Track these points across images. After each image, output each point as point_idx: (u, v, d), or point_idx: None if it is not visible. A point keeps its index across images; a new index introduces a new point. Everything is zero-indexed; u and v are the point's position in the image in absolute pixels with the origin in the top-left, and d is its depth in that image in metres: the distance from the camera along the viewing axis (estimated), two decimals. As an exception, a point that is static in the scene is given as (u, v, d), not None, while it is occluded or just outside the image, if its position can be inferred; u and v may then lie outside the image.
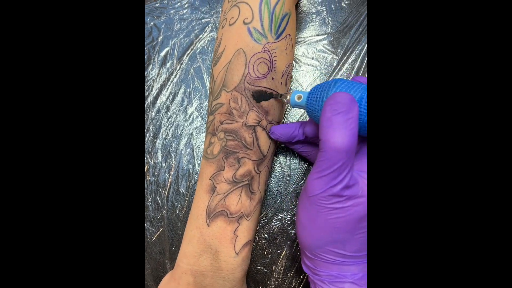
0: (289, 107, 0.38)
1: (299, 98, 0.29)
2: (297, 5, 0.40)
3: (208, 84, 0.40)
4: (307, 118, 0.38)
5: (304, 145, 0.34)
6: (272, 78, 0.32)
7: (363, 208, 0.24)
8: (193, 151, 0.39)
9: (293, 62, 0.39)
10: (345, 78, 0.38)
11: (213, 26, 0.42)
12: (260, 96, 0.31)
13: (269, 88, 0.32)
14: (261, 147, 0.32)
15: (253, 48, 0.31)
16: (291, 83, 0.39)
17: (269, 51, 0.32)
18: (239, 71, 0.31)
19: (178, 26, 0.43)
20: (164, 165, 0.38)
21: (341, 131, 0.22)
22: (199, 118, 0.39)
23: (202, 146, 0.38)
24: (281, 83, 0.33)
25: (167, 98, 0.40)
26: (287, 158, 0.37)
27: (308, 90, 0.38)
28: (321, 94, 0.26)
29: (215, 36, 0.42)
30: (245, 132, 0.31)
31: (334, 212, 0.24)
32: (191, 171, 0.38)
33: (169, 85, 0.41)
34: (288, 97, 0.30)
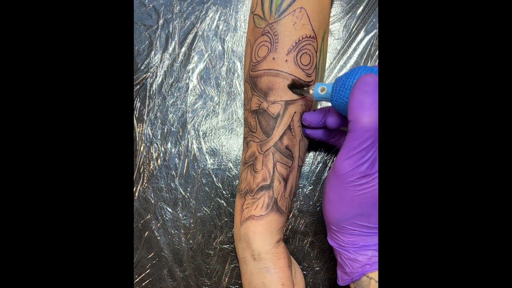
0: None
1: (322, 90, 0.28)
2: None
3: (211, 65, 0.40)
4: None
5: (329, 133, 0.33)
6: (273, 58, 0.31)
7: None
8: (198, 133, 0.39)
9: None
10: (353, 61, 0.38)
11: (212, 4, 0.41)
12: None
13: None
14: (263, 128, 0.32)
15: (255, 34, 0.33)
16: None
17: (269, 32, 0.31)
18: (247, 62, 0.33)
19: (178, 8, 0.42)
20: (173, 151, 0.39)
21: (370, 110, 0.23)
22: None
23: (204, 126, 0.40)
24: (287, 60, 0.31)
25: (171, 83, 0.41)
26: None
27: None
28: (348, 82, 0.26)
29: (215, 17, 0.41)
30: (250, 117, 0.32)
31: (361, 189, 0.25)
32: (197, 154, 0.39)
33: (174, 70, 0.41)
34: (311, 91, 0.29)
